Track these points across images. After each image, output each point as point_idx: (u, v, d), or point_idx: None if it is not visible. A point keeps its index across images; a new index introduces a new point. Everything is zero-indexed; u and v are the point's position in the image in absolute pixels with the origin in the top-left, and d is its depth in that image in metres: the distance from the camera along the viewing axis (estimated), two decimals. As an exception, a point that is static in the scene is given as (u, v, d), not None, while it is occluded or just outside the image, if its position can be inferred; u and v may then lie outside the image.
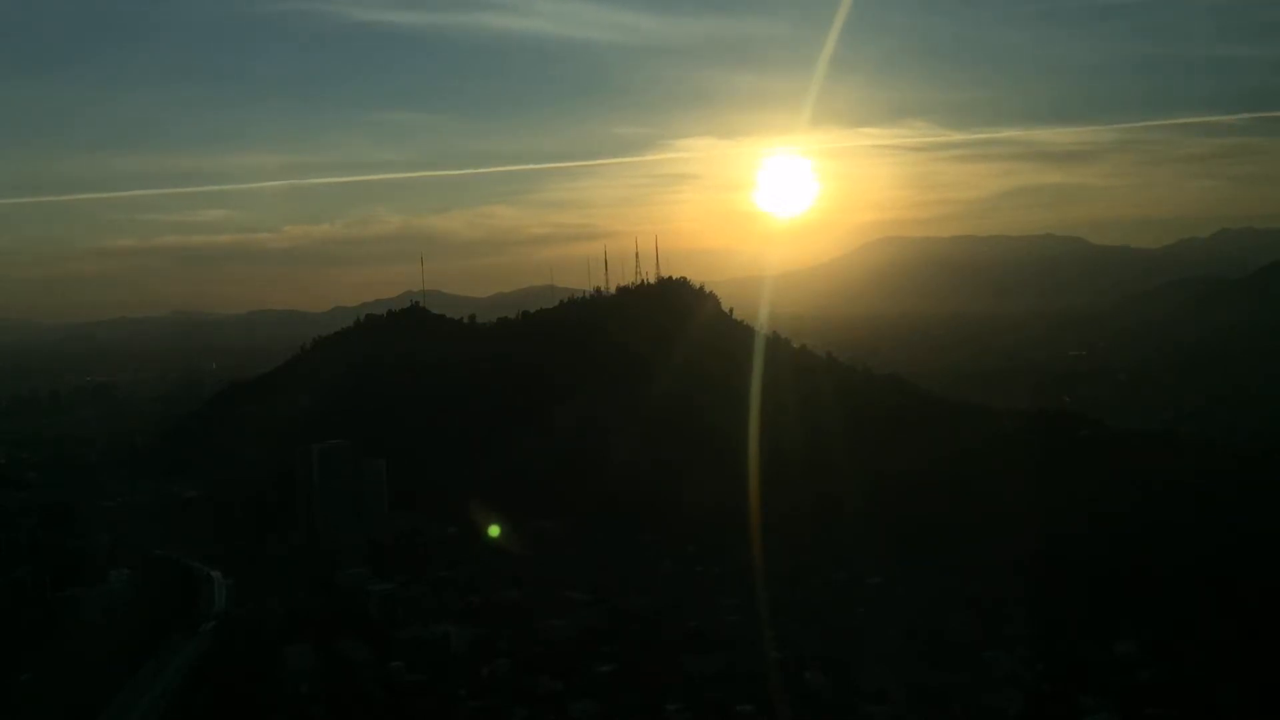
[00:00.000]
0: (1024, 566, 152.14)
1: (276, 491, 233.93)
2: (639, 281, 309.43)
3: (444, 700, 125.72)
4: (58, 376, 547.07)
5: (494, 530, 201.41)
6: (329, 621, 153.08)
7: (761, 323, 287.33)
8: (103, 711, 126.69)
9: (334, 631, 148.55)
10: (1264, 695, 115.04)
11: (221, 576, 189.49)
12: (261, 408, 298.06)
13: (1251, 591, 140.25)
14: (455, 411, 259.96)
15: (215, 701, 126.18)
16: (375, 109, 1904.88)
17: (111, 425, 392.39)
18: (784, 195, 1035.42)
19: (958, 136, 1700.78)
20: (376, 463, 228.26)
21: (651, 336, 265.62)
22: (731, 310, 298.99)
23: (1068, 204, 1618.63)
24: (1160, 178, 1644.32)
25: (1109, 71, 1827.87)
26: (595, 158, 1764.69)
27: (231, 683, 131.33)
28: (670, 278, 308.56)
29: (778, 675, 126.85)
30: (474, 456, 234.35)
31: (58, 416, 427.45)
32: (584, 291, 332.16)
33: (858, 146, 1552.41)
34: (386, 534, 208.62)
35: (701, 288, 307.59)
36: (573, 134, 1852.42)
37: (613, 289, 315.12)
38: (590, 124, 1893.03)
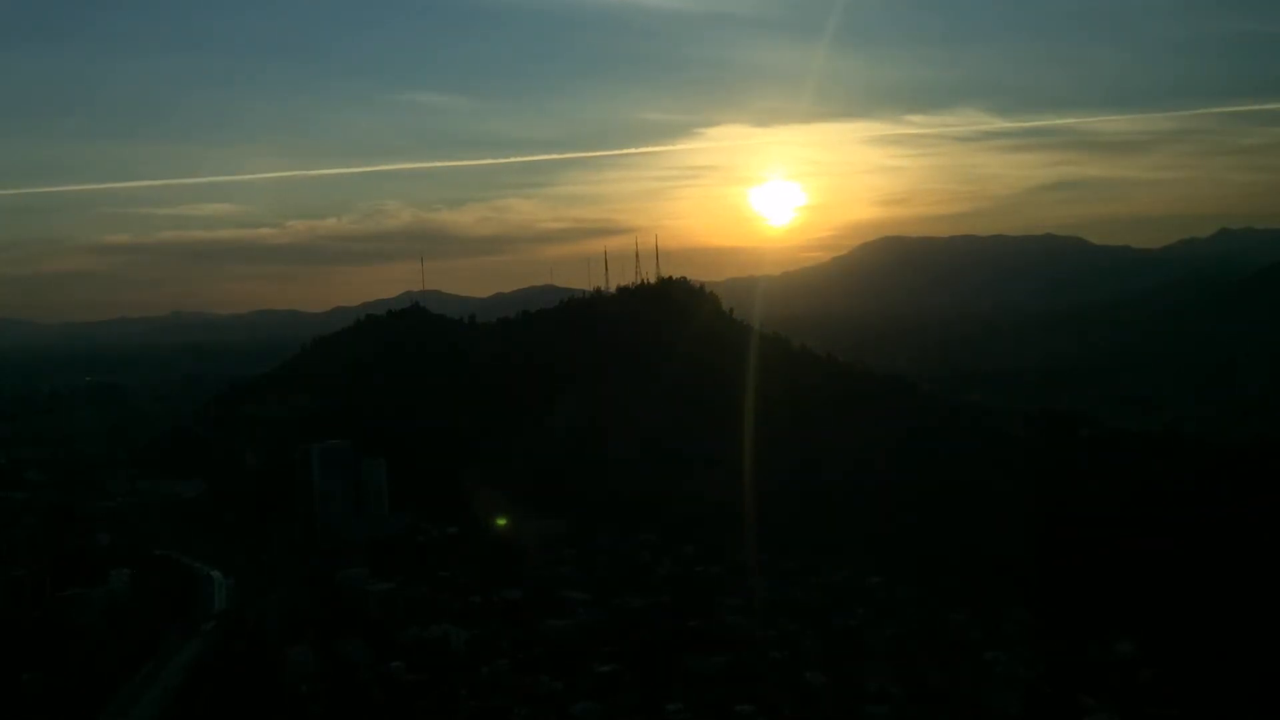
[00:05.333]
0: (1024, 566, 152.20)
1: (276, 492, 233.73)
2: (639, 281, 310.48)
3: (444, 700, 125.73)
4: (58, 376, 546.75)
5: (500, 521, 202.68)
6: (329, 621, 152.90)
7: (760, 322, 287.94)
8: (103, 711, 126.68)
9: (334, 631, 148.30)
10: (1264, 695, 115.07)
11: (221, 576, 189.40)
12: (261, 408, 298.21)
13: (1251, 591, 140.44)
14: (455, 411, 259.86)
15: (215, 701, 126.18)
16: (390, 90, 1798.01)
17: (111, 425, 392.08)
18: (797, 193, 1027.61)
19: (1003, 125, 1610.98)
20: (376, 462, 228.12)
21: (651, 337, 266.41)
22: (731, 310, 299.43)
23: (1108, 200, 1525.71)
24: (1210, 171, 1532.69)
25: (1181, 52, 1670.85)
26: (622, 146, 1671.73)
27: (231, 683, 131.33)
28: (670, 278, 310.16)
29: (778, 675, 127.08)
30: (474, 456, 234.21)
31: (58, 416, 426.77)
32: (584, 291, 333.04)
33: (896, 135, 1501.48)
34: (386, 534, 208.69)
35: (701, 287, 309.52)
36: (601, 119, 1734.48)
37: (613, 289, 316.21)
38: (621, 107, 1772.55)
